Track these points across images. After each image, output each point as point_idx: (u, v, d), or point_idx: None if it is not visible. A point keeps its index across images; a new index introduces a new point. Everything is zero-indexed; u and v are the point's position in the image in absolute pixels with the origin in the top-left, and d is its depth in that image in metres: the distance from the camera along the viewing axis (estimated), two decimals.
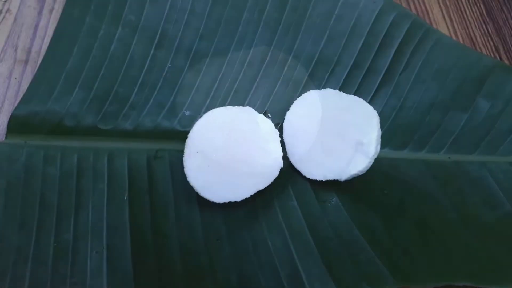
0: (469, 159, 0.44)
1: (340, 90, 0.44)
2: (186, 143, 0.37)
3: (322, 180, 0.40)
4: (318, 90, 0.41)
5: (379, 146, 0.37)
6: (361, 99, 0.39)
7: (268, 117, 0.44)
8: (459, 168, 0.44)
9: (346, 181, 0.40)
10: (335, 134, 0.39)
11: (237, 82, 0.44)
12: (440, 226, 0.38)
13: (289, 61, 0.44)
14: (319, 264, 0.35)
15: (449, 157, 0.44)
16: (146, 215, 0.38)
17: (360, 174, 0.38)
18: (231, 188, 0.38)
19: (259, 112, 0.43)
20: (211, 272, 0.36)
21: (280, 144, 0.40)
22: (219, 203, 0.39)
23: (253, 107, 0.42)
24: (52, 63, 0.43)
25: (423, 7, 0.56)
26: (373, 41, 0.45)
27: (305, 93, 0.41)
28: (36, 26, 0.49)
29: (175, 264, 0.36)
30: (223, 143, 0.38)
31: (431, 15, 0.55)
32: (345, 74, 0.45)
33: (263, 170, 0.39)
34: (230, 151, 0.38)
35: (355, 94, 0.45)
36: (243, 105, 0.43)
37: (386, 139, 0.44)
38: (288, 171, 0.42)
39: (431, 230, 0.38)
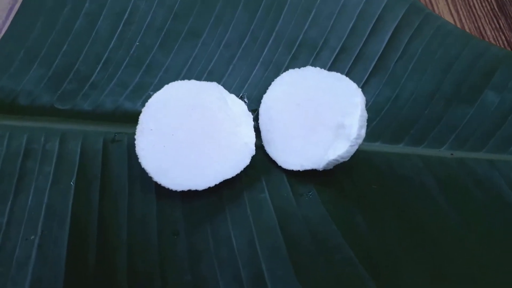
0: (475, 157, 0.38)
1: None
2: (139, 119, 0.32)
3: (299, 171, 0.34)
4: (297, 69, 0.36)
5: (363, 130, 0.32)
6: (343, 76, 0.33)
7: (244, 102, 0.39)
8: (463, 166, 0.38)
9: (327, 173, 0.35)
10: (314, 117, 0.34)
11: (212, 63, 0.40)
12: (437, 228, 0.32)
13: (270, 42, 0.40)
14: (286, 264, 0.29)
15: (452, 154, 0.38)
16: (93, 203, 0.33)
17: (341, 160, 0.32)
18: (192, 175, 0.32)
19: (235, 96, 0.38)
20: (160, 272, 0.31)
21: (253, 129, 0.35)
22: (179, 193, 0.34)
23: (228, 90, 0.38)
24: (12, 39, 0.40)
25: (427, 0, 0.51)
26: (364, 24, 0.40)
27: (284, 73, 0.36)
28: (11, 9, 0.47)
29: (119, 259, 0.31)
30: (184, 121, 0.33)
31: (436, 9, 0.50)
32: (332, 59, 0.40)
33: (231, 157, 0.34)
34: (192, 132, 0.33)
35: None
36: None
37: (378, 132, 0.39)
38: (263, 161, 0.37)
39: (425, 232, 0.32)
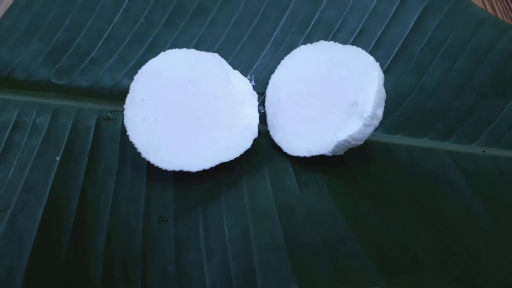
0: (511, 156, 0.33)
1: None
2: (130, 86, 0.30)
3: (306, 157, 0.30)
4: (309, 44, 0.32)
5: (380, 110, 0.28)
6: (359, 49, 0.30)
7: (252, 84, 0.35)
8: (497, 164, 0.33)
9: (337, 161, 0.31)
10: (326, 96, 0.30)
11: (219, 43, 0.37)
12: (465, 228, 0.28)
13: (282, 21, 0.37)
14: (282, 257, 0.25)
15: (484, 151, 0.33)
16: (76, 180, 0.30)
17: (353, 143, 0.28)
18: (185, 154, 0.29)
19: None
20: (141, 260, 0.27)
21: (257, 110, 0.32)
22: (172, 176, 0.31)
23: None
24: (16, 11, 0.38)
25: None
26: (387, 5, 0.37)
27: (294, 50, 0.33)
28: None
29: (96, 242, 0.28)
30: (179, 93, 0.30)
31: None
32: (350, 41, 0.36)
33: (230, 138, 0.30)
34: (188, 106, 0.30)
35: None
36: None
37: (399, 124, 0.35)
38: (267, 147, 0.33)
39: (451, 231, 0.27)
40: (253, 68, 0.36)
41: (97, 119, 0.34)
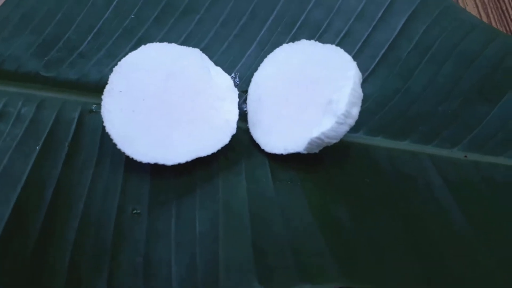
0: (494, 162, 0.33)
1: None
2: (109, 78, 0.30)
3: (283, 155, 0.30)
4: (291, 43, 0.32)
5: (356, 109, 0.28)
6: (337, 48, 0.30)
7: (236, 82, 0.36)
8: (479, 170, 0.32)
9: (315, 160, 0.31)
10: (305, 95, 0.30)
11: (206, 40, 0.37)
12: (438, 229, 0.27)
13: (269, 21, 0.37)
14: (247, 252, 0.25)
15: (466, 156, 0.33)
16: (54, 169, 0.31)
17: (326, 141, 0.28)
18: (161, 147, 0.29)
19: None
20: (111, 250, 0.27)
21: (237, 107, 0.32)
22: (149, 169, 0.31)
23: None
24: (12, 4, 0.39)
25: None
26: (374, 8, 0.37)
27: (277, 49, 0.33)
28: None
29: (67, 230, 0.28)
30: (158, 87, 0.30)
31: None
32: (335, 43, 0.36)
33: (208, 133, 0.30)
34: (166, 100, 0.30)
35: None
36: None
37: (380, 126, 0.34)
38: (247, 145, 0.33)
39: (422, 231, 0.27)
40: (238, 66, 0.36)
41: (81, 111, 0.34)
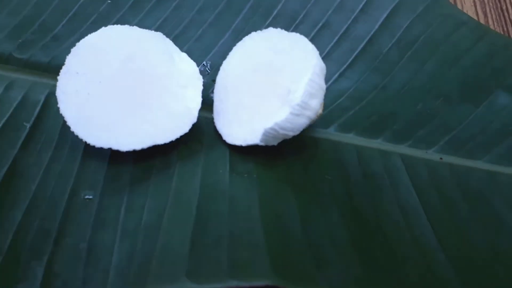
0: (471, 166, 0.31)
1: None
2: (66, 59, 0.29)
3: (242, 146, 0.29)
4: (259, 31, 0.31)
5: (315, 101, 0.26)
6: (302, 37, 0.28)
7: (207, 71, 0.35)
8: (454, 174, 0.30)
9: (276, 154, 0.29)
10: (268, 85, 0.29)
11: (180, 27, 0.36)
12: (397, 233, 0.26)
13: (245, 10, 0.36)
14: (184, 243, 0.24)
15: (441, 158, 0.31)
16: (10, 150, 0.30)
17: (281, 132, 0.26)
18: (116, 132, 0.28)
19: (197, 63, 0.34)
20: (56, 233, 0.27)
21: (200, 95, 0.31)
22: (108, 155, 0.30)
23: (191, 56, 0.34)
24: None
25: (451, 0, 0.45)
26: (355, 0, 0.35)
27: (245, 37, 0.32)
28: None
29: (14, 210, 0.27)
30: (117, 70, 0.29)
31: (459, 8, 0.44)
32: (312, 34, 0.35)
33: (167, 121, 0.29)
34: (124, 83, 0.29)
35: (323, 60, 0.34)
36: None
37: (353, 123, 0.33)
38: (211, 135, 0.32)
39: (378, 233, 0.25)
40: (211, 54, 0.35)
41: (48, 94, 0.34)
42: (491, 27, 0.43)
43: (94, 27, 0.37)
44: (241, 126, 0.29)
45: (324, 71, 0.27)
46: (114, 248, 0.26)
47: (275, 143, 0.28)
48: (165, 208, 0.27)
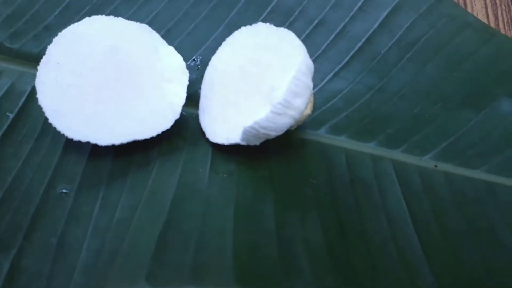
0: (468, 175, 0.29)
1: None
2: (47, 49, 0.28)
3: (225, 145, 0.28)
4: (249, 26, 0.30)
5: (300, 101, 0.25)
6: (290, 32, 0.27)
7: (197, 66, 0.34)
8: (449, 183, 0.28)
9: (260, 154, 0.28)
10: (254, 82, 0.28)
11: (174, 21, 0.35)
12: (379, 242, 0.24)
13: (240, 4, 0.35)
14: (150, 243, 0.23)
15: (436, 166, 0.29)
16: None
17: (262, 131, 0.25)
18: (96, 126, 0.27)
19: (188, 58, 0.33)
20: (28, 226, 0.26)
21: (185, 90, 0.29)
22: (88, 149, 0.30)
23: (181, 51, 0.33)
24: None
25: (461, 2, 0.43)
26: None
27: (235, 32, 0.30)
28: None
29: None
30: (99, 61, 0.28)
31: (469, 11, 0.42)
32: (308, 31, 0.33)
33: (149, 116, 0.28)
34: (106, 76, 0.28)
35: (317, 58, 0.33)
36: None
37: (345, 125, 0.31)
38: (196, 132, 0.31)
39: (358, 242, 0.24)
40: (202, 49, 0.34)
41: (34, 85, 0.33)
42: (502, 30, 0.40)
43: None
44: (225, 124, 0.28)
45: (312, 69, 0.26)
46: (84, 245, 0.25)
47: (257, 143, 0.27)
48: (138, 207, 0.25)
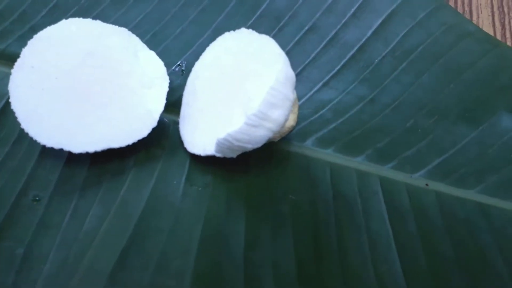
0: (461, 196, 0.27)
1: (287, 55, 0.31)
2: (22, 52, 0.28)
3: (201, 156, 0.27)
4: (232, 31, 0.28)
5: (279, 112, 0.23)
6: (270, 40, 0.25)
7: (182, 71, 0.32)
8: (440, 203, 0.27)
9: (239, 166, 0.27)
10: (233, 90, 0.26)
11: (161, 24, 0.34)
12: (358, 264, 0.22)
13: (229, 8, 0.33)
14: (112, 257, 0.21)
15: (427, 184, 0.27)
16: None
17: (236, 144, 0.24)
18: (69, 132, 0.26)
19: (173, 62, 0.32)
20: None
21: (165, 97, 0.28)
22: (65, 156, 0.29)
23: (167, 55, 0.32)
24: None
25: (466, 9, 0.41)
26: (347, 3, 0.32)
27: (219, 37, 0.29)
28: None
29: None
30: (74, 66, 0.27)
31: (474, 19, 0.40)
32: (298, 37, 0.32)
33: (125, 123, 0.27)
34: (82, 81, 0.27)
35: (307, 66, 0.31)
36: (156, 51, 0.32)
37: (332, 138, 0.29)
38: (175, 140, 0.29)
39: (335, 262, 0.22)
40: (188, 53, 0.33)
41: None
42: (508, 40, 0.38)
43: None
44: (203, 133, 0.27)
45: (292, 80, 0.24)
46: (49, 257, 0.24)
47: (234, 156, 0.25)
48: (105, 219, 0.24)
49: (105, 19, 0.35)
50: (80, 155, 0.27)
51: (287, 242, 0.23)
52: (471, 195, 0.27)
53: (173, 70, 0.32)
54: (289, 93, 0.24)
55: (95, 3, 0.36)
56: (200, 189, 0.26)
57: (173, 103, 0.31)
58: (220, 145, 0.24)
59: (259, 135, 0.24)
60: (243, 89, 0.26)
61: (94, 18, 0.35)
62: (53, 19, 0.35)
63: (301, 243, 0.23)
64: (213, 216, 0.23)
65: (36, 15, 0.36)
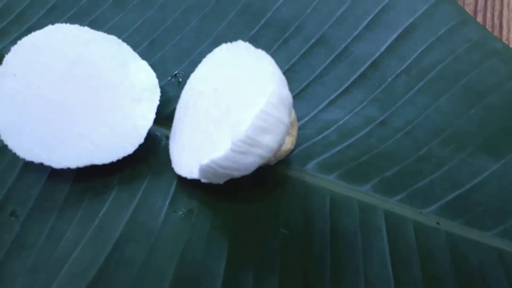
0: (476, 239, 0.24)
1: (291, 70, 0.29)
2: (4, 58, 0.26)
3: (187, 179, 0.25)
4: (229, 43, 0.26)
5: (270, 138, 0.21)
6: (265, 56, 0.23)
7: (179, 82, 0.30)
8: (451, 246, 0.24)
9: (228, 191, 0.24)
10: (225, 109, 0.24)
11: (160, 30, 0.32)
12: None
13: (231, 16, 0.31)
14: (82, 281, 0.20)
15: (438, 223, 0.24)
16: None
17: (221, 171, 0.21)
18: (50, 146, 0.25)
19: (169, 72, 0.30)
20: None
21: (154, 111, 0.26)
22: (48, 172, 0.27)
23: (163, 64, 0.30)
24: None
25: (496, 22, 0.37)
26: (360, 13, 0.29)
27: (216, 49, 0.27)
28: None
29: None
30: (59, 75, 0.25)
31: (505, 34, 0.36)
32: (303, 50, 0.29)
33: (110, 139, 0.25)
34: (66, 91, 0.25)
35: (312, 82, 0.29)
36: (150, 60, 0.30)
37: (336, 163, 0.27)
38: (164, 158, 0.27)
39: None
40: (185, 63, 0.31)
41: None
42: None
43: (71, 22, 0.33)
44: (191, 154, 0.25)
45: (288, 101, 0.22)
46: (18, 280, 0.22)
47: (220, 182, 0.23)
48: (80, 244, 0.22)
49: (104, 22, 0.34)
50: (63, 170, 0.25)
51: (270, 285, 0.20)
52: (488, 238, 0.24)
53: (169, 81, 0.30)
54: (283, 116, 0.21)
55: (95, 6, 0.34)
56: (182, 215, 0.23)
57: (167, 116, 0.29)
58: (203, 171, 0.22)
59: (247, 162, 0.21)
60: (235, 109, 0.23)
61: (93, 20, 0.34)
62: (51, 21, 0.34)
63: (285, 286, 0.21)
64: (191, 251, 0.21)
65: (33, 16, 0.34)
